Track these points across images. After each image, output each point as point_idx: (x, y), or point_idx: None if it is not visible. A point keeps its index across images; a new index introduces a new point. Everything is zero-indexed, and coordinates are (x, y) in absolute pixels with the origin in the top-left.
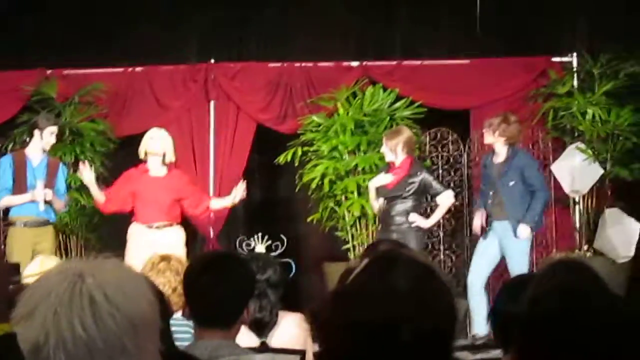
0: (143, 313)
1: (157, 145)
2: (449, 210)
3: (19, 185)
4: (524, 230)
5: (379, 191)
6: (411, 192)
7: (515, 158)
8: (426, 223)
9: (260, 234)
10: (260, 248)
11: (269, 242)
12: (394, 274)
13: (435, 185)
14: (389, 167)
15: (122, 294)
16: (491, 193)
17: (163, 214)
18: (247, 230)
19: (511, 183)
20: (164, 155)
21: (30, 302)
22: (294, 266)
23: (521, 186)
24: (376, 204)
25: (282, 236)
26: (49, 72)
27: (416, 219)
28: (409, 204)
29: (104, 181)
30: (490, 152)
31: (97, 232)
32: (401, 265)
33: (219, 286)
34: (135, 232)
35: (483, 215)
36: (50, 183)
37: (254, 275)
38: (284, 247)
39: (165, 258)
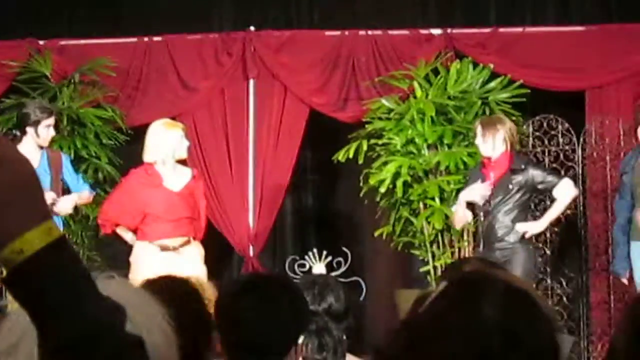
0: (156, 348)
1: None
2: (559, 220)
3: None
4: None
5: (476, 203)
6: (516, 193)
7: None
8: (538, 225)
9: (316, 250)
10: (319, 268)
11: (329, 258)
12: (480, 301)
13: (547, 176)
14: (482, 166)
15: (129, 325)
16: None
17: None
18: (298, 247)
19: None
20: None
21: (13, 334)
22: (364, 286)
23: None
24: (465, 218)
25: (345, 249)
26: (41, 43)
27: (526, 227)
28: (514, 211)
29: (112, 184)
30: (636, 150)
31: (104, 251)
32: (489, 290)
33: (259, 314)
34: (145, 254)
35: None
36: (56, 183)
37: (305, 303)
38: (347, 264)
39: None
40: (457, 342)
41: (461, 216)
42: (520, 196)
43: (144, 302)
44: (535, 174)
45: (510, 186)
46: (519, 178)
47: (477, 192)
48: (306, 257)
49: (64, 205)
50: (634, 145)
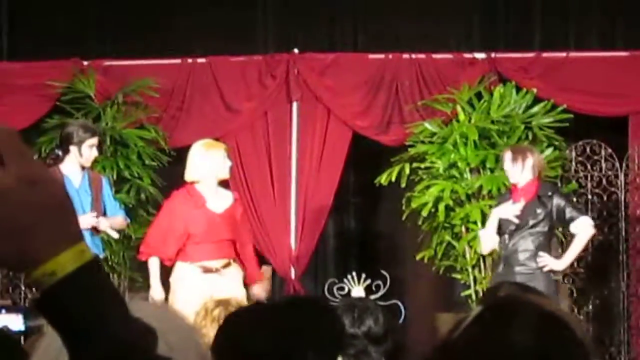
0: None
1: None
2: (586, 247)
3: None
4: None
5: (502, 224)
6: (540, 221)
7: None
8: (559, 264)
9: (355, 274)
10: (358, 291)
11: (368, 281)
12: (512, 326)
13: (570, 209)
14: (510, 192)
15: (164, 347)
16: None
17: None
18: (340, 270)
19: None
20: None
21: (48, 354)
22: (403, 309)
23: None
24: (493, 240)
25: (384, 272)
26: (85, 63)
27: (547, 260)
28: (537, 238)
29: (154, 205)
30: None
31: (146, 271)
32: (522, 314)
33: (284, 342)
34: (187, 275)
35: None
36: (97, 203)
37: (340, 326)
38: (387, 287)
39: (222, 303)
40: None
41: (490, 234)
42: (545, 224)
43: (179, 324)
44: (560, 203)
45: (538, 210)
46: (545, 205)
47: (510, 209)
48: (345, 280)
49: (105, 224)
50: None
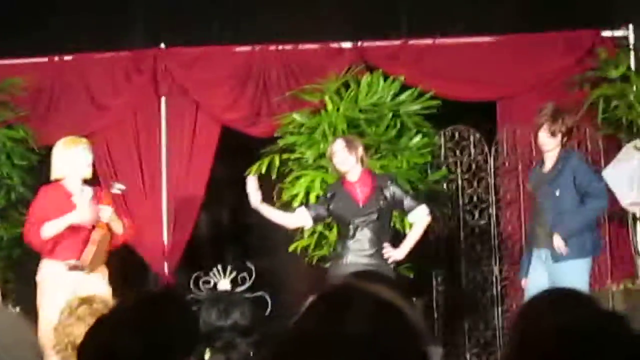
0: None
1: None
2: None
3: None
4: (559, 240)
5: (347, 216)
6: (383, 212)
7: (568, 160)
8: (399, 253)
9: (220, 267)
10: (224, 284)
11: (234, 274)
12: (346, 316)
13: (408, 199)
14: (343, 182)
15: None
16: (536, 217)
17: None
18: (212, 263)
19: (557, 192)
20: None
21: None
22: (269, 300)
23: (572, 197)
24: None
25: (249, 264)
26: None
27: (390, 252)
28: (380, 229)
29: (25, 205)
30: (539, 161)
31: (17, 271)
32: (355, 303)
33: (146, 340)
34: (52, 273)
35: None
36: None
37: (198, 320)
38: (252, 279)
39: (86, 301)
40: (323, 358)
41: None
42: (386, 212)
43: (14, 324)
44: (397, 191)
45: (381, 202)
46: (385, 194)
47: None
48: (211, 273)
49: None
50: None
